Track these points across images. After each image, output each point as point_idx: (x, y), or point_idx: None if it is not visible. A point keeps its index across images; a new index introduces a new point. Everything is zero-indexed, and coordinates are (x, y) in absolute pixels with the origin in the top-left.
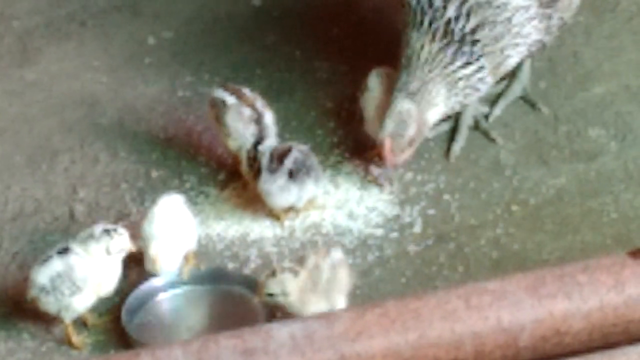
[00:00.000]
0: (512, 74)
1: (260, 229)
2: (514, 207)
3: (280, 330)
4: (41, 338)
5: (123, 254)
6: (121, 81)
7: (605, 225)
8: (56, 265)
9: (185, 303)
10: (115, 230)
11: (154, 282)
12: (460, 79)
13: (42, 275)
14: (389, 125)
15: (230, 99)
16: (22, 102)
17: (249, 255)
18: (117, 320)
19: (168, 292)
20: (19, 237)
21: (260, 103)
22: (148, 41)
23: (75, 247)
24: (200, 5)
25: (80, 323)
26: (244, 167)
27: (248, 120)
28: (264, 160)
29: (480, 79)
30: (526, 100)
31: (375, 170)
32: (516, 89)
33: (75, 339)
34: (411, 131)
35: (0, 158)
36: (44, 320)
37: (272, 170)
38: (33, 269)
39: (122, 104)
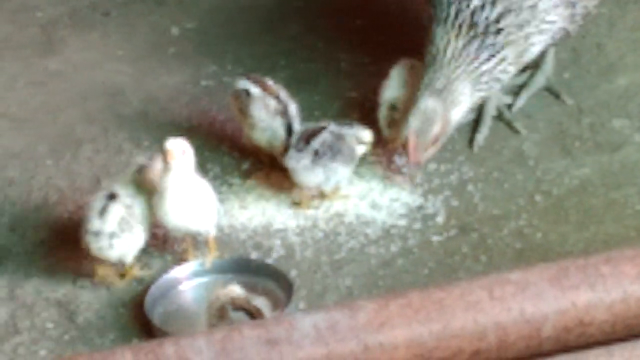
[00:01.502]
0: (536, 65)
1: (284, 219)
2: (538, 198)
3: (304, 321)
4: (64, 327)
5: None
6: (145, 71)
7: (629, 216)
8: (117, 209)
9: (208, 292)
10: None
11: (177, 272)
12: (483, 73)
13: (108, 223)
14: (414, 122)
15: (255, 90)
16: (45, 92)
17: (272, 245)
18: (140, 310)
19: (191, 282)
20: (43, 226)
21: (283, 93)
22: (171, 31)
23: (121, 189)
24: None
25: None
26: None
27: (274, 111)
28: (294, 138)
29: (502, 70)
30: (550, 91)
31: (398, 160)
32: (540, 80)
33: (137, 272)
34: (436, 129)
35: (24, 148)
36: (67, 309)
37: (299, 149)
38: (91, 223)
39: (145, 94)
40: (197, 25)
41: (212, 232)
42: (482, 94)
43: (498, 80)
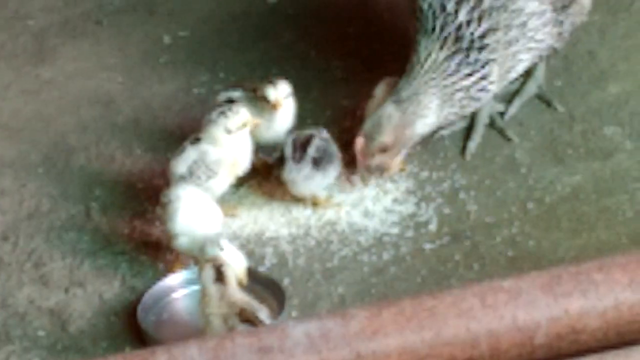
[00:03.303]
0: (528, 73)
1: (276, 227)
2: (530, 206)
3: (296, 329)
4: (56, 336)
5: (247, 129)
6: (137, 80)
7: (621, 223)
8: (191, 154)
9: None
10: (229, 109)
11: (169, 280)
12: (458, 90)
13: (180, 165)
14: (366, 126)
15: (236, 94)
16: (38, 101)
17: (264, 253)
18: (132, 318)
19: (184, 290)
20: (35, 235)
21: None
22: (163, 40)
23: (205, 135)
24: (216, 3)
25: None
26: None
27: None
28: (287, 150)
29: (482, 89)
30: (542, 98)
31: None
32: (531, 88)
33: None
34: (385, 137)
35: (16, 156)
36: (59, 317)
37: (297, 160)
38: (171, 162)
39: (137, 102)
40: (189, 33)
41: None
42: (455, 110)
43: (475, 99)
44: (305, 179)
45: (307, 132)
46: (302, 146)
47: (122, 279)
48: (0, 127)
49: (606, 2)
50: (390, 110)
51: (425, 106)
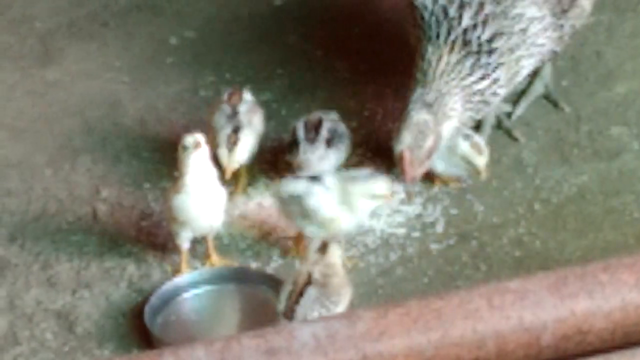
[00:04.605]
0: (535, 73)
1: (283, 228)
2: (536, 206)
3: (303, 330)
4: (64, 338)
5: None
6: (143, 81)
7: (627, 224)
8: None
9: (208, 302)
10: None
11: (177, 281)
12: (476, 92)
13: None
14: (407, 137)
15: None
16: (44, 102)
17: (271, 254)
18: (139, 320)
19: (191, 291)
20: (42, 237)
21: (246, 108)
22: (169, 41)
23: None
24: (222, 4)
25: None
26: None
27: (225, 121)
28: (300, 132)
29: (493, 93)
30: (548, 99)
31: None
32: (538, 88)
33: None
34: (429, 143)
35: (22, 158)
36: (66, 319)
37: (311, 141)
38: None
39: (143, 103)
40: (195, 35)
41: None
42: (472, 114)
43: (487, 103)
44: (319, 159)
45: (316, 114)
46: (314, 127)
47: (129, 281)
48: (6, 128)
49: (613, 2)
50: (424, 115)
51: (452, 108)
